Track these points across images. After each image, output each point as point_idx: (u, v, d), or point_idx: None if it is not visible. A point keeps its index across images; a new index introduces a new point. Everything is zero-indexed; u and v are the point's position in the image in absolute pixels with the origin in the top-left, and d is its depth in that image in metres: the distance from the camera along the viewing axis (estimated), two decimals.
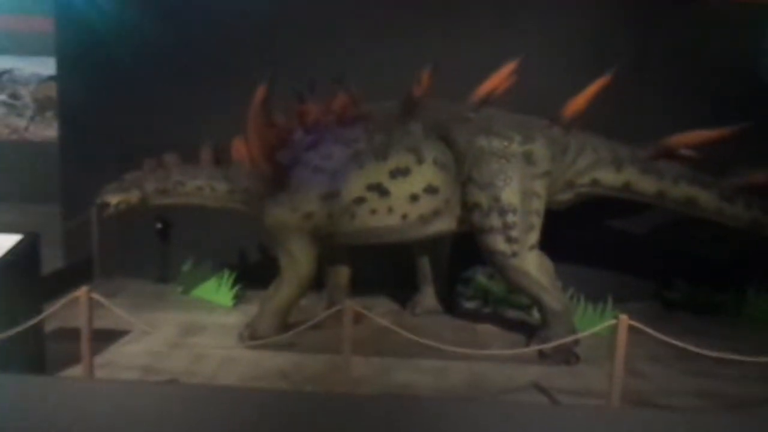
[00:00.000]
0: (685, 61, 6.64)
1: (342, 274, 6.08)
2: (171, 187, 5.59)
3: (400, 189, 5.23)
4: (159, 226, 7.05)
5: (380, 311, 6.29)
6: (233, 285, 6.57)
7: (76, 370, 4.72)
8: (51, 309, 4.48)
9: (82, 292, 4.23)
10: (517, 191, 5.14)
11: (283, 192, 5.27)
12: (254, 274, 6.68)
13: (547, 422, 4.17)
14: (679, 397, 4.68)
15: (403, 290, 6.54)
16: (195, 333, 5.71)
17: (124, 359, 5.09)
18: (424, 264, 6.20)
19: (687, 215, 5.75)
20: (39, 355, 4.78)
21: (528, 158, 5.20)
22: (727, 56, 6.64)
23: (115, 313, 4.59)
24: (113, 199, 5.53)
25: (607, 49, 6.39)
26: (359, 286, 6.30)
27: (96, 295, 4.34)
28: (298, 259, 5.32)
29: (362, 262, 6.13)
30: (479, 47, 6.31)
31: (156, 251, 7.19)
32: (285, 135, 5.33)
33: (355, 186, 5.24)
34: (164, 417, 3.43)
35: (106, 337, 5.40)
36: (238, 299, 6.57)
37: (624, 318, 4.05)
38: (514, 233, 5.12)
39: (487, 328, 5.93)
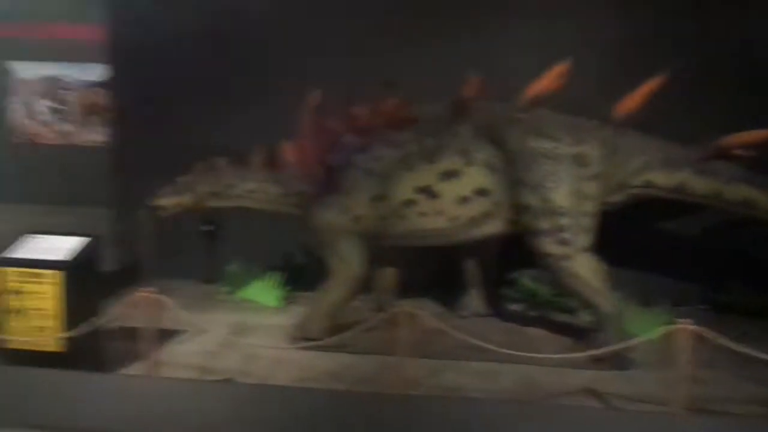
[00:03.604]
0: (742, 59, 6.42)
1: (389, 276, 6.09)
2: (222, 189, 5.69)
3: (449, 191, 5.23)
4: (206, 227, 7.11)
5: (427, 314, 6.27)
6: (279, 286, 6.64)
7: (135, 369, 4.84)
8: (114, 308, 4.61)
9: (146, 292, 4.33)
10: (568, 193, 5.10)
11: (334, 195, 5.32)
12: (297, 276, 6.75)
13: (609, 427, 4.13)
14: (740, 405, 4.57)
15: (447, 293, 6.51)
16: (245, 333, 5.79)
17: (180, 358, 5.19)
18: (471, 266, 6.17)
19: (740, 216, 5.63)
20: (99, 354, 4.91)
21: (579, 160, 5.15)
22: None
23: (176, 313, 4.69)
24: (168, 202, 5.66)
25: (660, 52, 6.24)
26: (405, 289, 6.29)
27: (161, 296, 4.45)
28: (348, 261, 5.36)
29: (408, 264, 6.14)
30: (525, 51, 6.22)
31: (200, 253, 7.27)
32: (335, 138, 5.39)
33: (404, 188, 5.26)
34: (223, 415, 3.50)
35: (159, 337, 5.50)
36: (284, 300, 6.64)
37: (686, 323, 3.98)
38: (565, 236, 5.07)
39: (536, 332, 5.86)
